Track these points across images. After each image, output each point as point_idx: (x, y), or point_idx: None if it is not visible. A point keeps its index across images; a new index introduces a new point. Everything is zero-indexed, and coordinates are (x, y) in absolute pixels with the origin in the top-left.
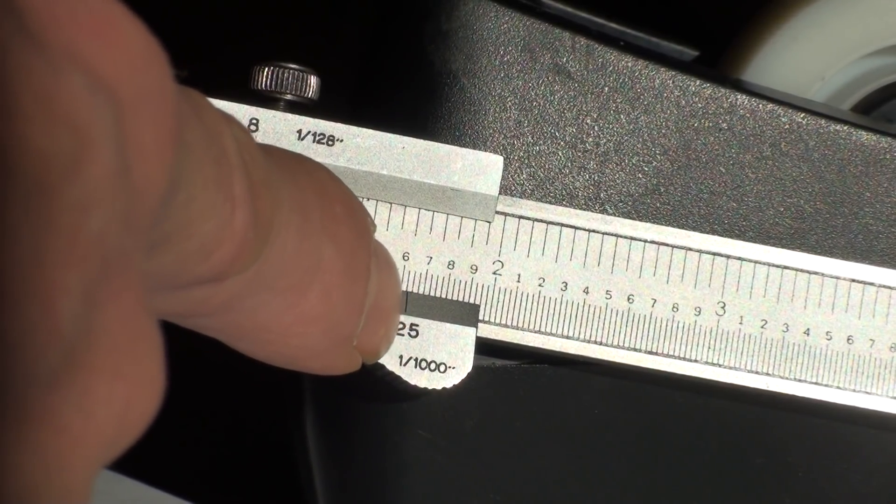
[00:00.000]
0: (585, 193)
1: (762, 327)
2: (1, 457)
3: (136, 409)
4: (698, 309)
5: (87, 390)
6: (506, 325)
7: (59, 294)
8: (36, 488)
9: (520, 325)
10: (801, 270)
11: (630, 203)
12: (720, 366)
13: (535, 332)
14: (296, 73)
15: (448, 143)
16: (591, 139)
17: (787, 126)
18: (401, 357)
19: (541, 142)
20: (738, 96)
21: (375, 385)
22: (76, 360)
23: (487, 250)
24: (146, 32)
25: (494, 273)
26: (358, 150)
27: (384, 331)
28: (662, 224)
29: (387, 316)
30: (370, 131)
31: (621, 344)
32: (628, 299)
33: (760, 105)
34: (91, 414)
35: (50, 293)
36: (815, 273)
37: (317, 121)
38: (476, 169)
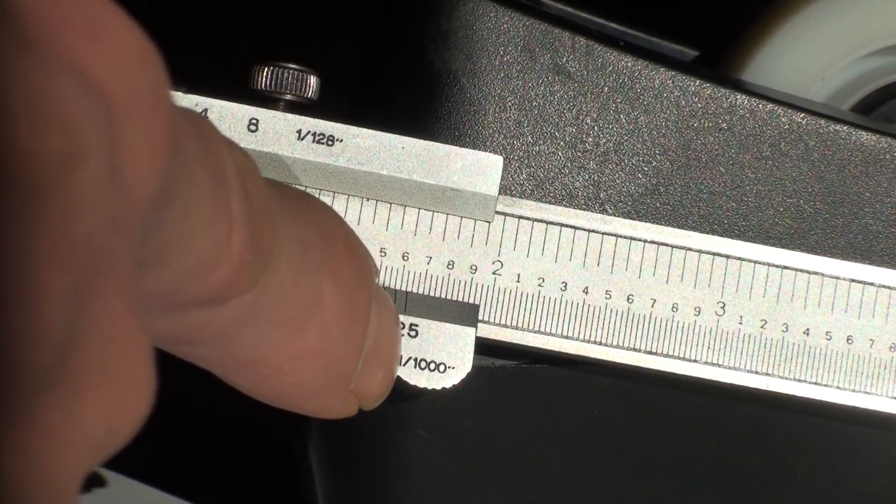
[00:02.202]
0: (585, 193)
1: (762, 327)
2: None
3: (124, 413)
4: (698, 309)
5: (75, 393)
6: (505, 325)
7: (47, 296)
8: (22, 490)
9: (519, 325)
10: (801, 270)
11: (630, 203)
12: (720, 366)
13: (535, 332)
14: (296, 73)
15: (448, 143)
16: (590, 139)
17: (787, 126)
18: (400, 357)
19: (540, 142)
20: (738, 96)
21: None
22: (64, 362)
23: (487, 250)
24: (141, 35)
25: (494, 273)
26: (358, 150)
27: (382, 376)
28: (662, 224)
29: (386, 361)
30: (370, 131)
31: (621, 344)
32: (628, 299)
33: (760, 105)
34: (79, 417)
35: (38, 295)
36: (815, 273)
37: (316, 121)
38: (476, 169)
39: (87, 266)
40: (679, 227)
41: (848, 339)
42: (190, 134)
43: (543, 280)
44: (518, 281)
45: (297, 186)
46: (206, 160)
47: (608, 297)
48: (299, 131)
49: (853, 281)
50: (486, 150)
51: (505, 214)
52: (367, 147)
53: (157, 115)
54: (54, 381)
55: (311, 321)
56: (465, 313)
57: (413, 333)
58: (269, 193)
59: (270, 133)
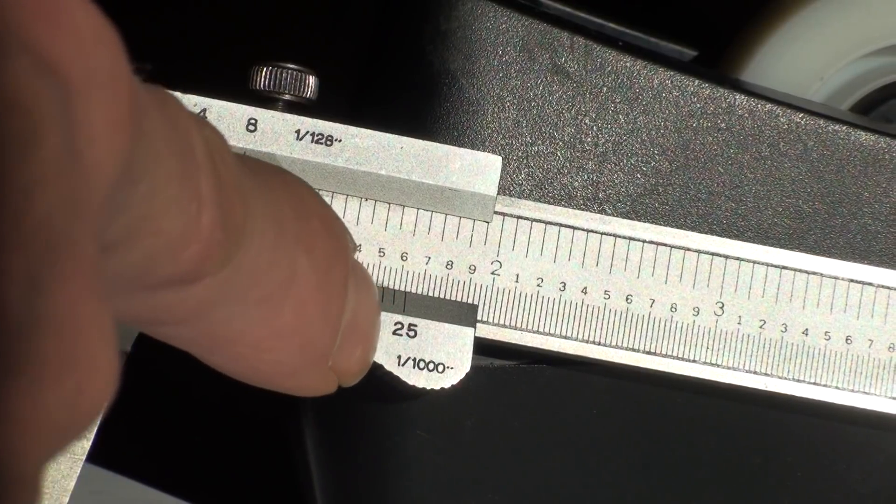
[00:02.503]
0: (584, 193)
1: (761, 327)
2: None
3: (87, 396)
4: (697, 309)
5: (36, 378)
6: (504, 326)
7: (4, 279)
8: None
9: (518, 325)
10: (800, 270)
11: (628, 203)
12: (719, 366)
13: (534, 332)
14: (294, 73)
15: (446, 143)
16: (589, 139)
17: (786, 126)
18: (399, 357)
19: (539, 142)
20: (737, 96)
21: (374, 385)
22: (24, 347)
23: (486, 250)
24: (98, 15)
25: (493, 273)
26: (356, 150)
27: (361, 352)
28: (661, 224)
29: (364, 337)
30: (368, 131)
31: (620, 344)
32: (627, 299)
33: (759, 105)
34: (41, 402)
35: None
36: (814, 273)
37: (315, 121)
38: (474, 169)
39: (45, 248)
40: (678, 227)
41: (847, 340)
42: (154, 112)
43: (542, 280)
44: (517, 281)
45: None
46: (173, 138)
47: (607, 297)
48: (298, 131)
49: (852, 281)
50: (484, 150)
51: (504, 214)
52: (365, 147)
53: (115, 93)
54: (14, 366)
55: (286, 299)
56: (463, 313)
57: (412, 333)
58: (241, 170)
59: (269, 133)
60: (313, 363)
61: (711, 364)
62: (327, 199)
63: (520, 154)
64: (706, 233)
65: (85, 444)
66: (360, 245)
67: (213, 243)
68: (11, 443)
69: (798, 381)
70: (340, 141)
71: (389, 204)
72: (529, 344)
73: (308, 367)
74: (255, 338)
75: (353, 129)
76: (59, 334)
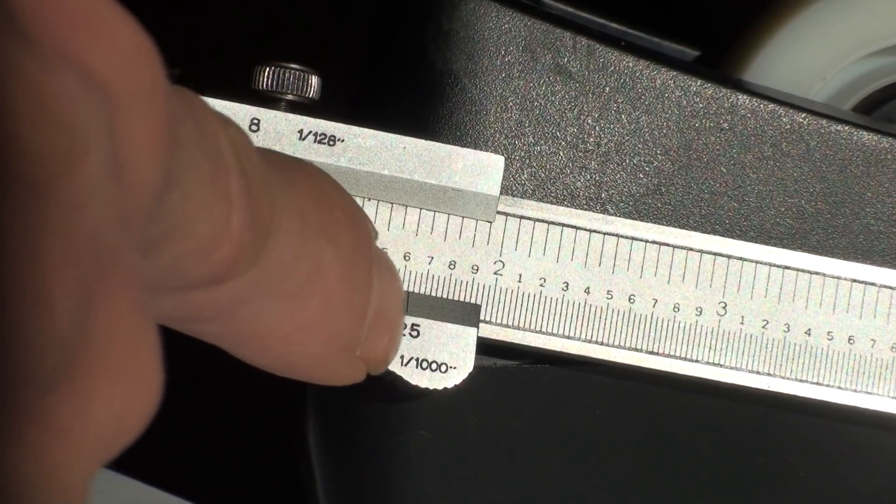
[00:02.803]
0: (586, 193)
1: (763, 327)
2: None
3: (134, 410)
4: (699, 309)
5: (85, 391)
6: (507, 326)
7: (55, 294)
8: (33, 489)
9: (521, 325)
10: (803, 271)
11: (631, 203)
12: (721, 366)
13: (537, 332)
14: (297, 73)
15: (449, 143)
16: (592, 139)
17: (789, 126)
18: (402, 357)
19: (542, 142)
20: (740, 96)
21: (376, 385)
22: (74, 360)
23: (488, 250)
24: (138, 29)
25: (495, 273)
26: (359, 150)
27: (388, 340)
28: (663, 224)
29: (391, 325)
30: (371, 131)
31: (622, 344)
32: (629, 299)
33: (762, 105)
34: (89, 415)
35: (46, 293)
36: (817, 273)
37: (318, 121)
38: (477, 169)
39: (94, 263)
40: (680, 227)
41: (849, 340)
42: (186, 118)
43: (545, 280)
44: (520, 281)
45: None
46: (203, 143)
47: (610, 297)
48: (301, 131)
49: (855, 281)
50: (487, 150)
51: (506, 214)
52: (368, 147)
53: (156, 107)
54: (63, 378)
55: (313, 291)
56: (466, 313)
57: (415, 333)
58: (266, 167)
59: (272, 133)
60: (341, 353)
61: (714, 364)
62: None
63: (522, 154)
64: (709, 233)
65: None
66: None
67: (242, 244)
68: (58, 455)
69: (801, 381)
70: (343, 141)
71: (392, 204)
72: (532, 344)
73: (336, 358)
74: (284, 331)
75: (355, 129)
76: (108, 348)
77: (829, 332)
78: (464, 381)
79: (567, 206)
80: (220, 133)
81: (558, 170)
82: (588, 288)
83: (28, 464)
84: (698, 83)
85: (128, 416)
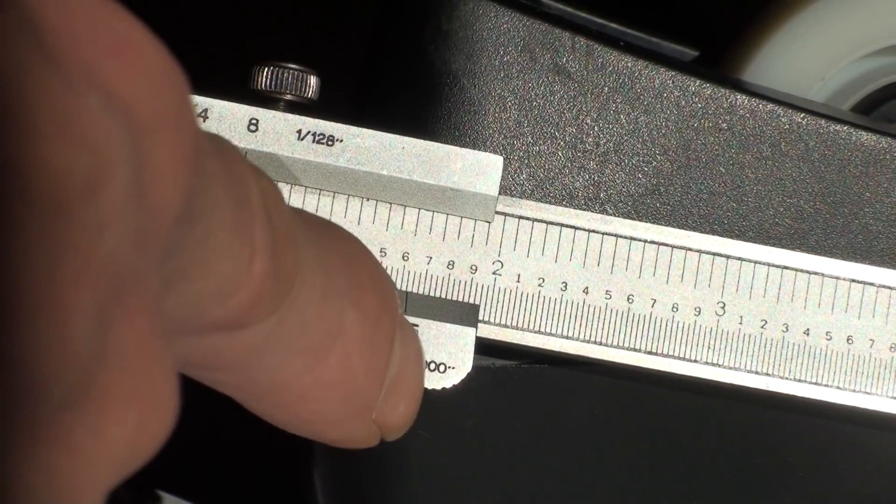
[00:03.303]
0: (585, 193)
1: (762, 327)
2: (12, 475)
3: (148, 431)
4: (698, 309)
5: (100, 411)
6: (505, 326)
7: (73, 313)
8: None
9: (519, 325)
10: (801, 270)
11: (630, 203)
12: (720, 366)
13: (535, 332)
14: (295, 73)
15: (448, 144)
16: (590, 139)
17: (787, 126)
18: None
19: (541, 142)
20: (738, 96)
21: None
22: (90, 380)
23: (487, 250)
24: (165, 53)
25: (494, 273)
26: (358, 150)
27: (405, 407)
28: (662, 224)
29: (409, 392)
30: (370, 131)
31: (621, 344)
32: (628, 299)
33: (760, 105)
34: (104, 435)
35: (64, 312)
36: (815, 273)
37: (316, 121)
38: (476, 169)
39: (113, 284)
40: (679, 227)
41: (848, 339)
42: (213, 156)
43: (543, 280)
44: (518, 281)
45: (297, 186)
46: (230, 183)
47: (608, 297)
48: (299, 131)
49: (853, 281)
50: (486, 151)
51: (505, 214)
52: (367, 147)
53: (181, 132)
54: (79, 398)
55: (332, 349)
56: (465, 313)
57: None
58: (294, 221)
59: (270, 133)
60: (357, 415)
61: (713, 364)
62: (328, 200)
63: (521, 154)
64: (707, 233)
65: None
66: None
67: (263, 290)
68: (72, 474)
69: (799, 380)
70: (342, 141)
71: (391, 204)
72: (531, 344)
73: (351, 419)
74: (301, 387)
75: (354, 129)
76: (123, 369)
77: (827, 332)
78: (462, 381)
79: (566, 206)
80: (251, 179)
81: (557, 170)
82: (587, 288)
83: (41, 482)
84: (697, 83)
85: (142, 438)
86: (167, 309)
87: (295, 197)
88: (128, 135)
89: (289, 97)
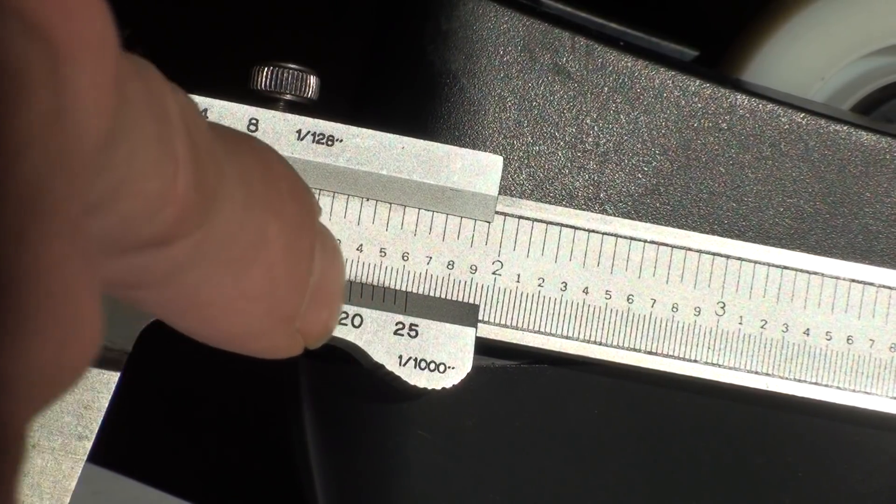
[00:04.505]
0: (585, 193)
1: (762, 327)
2: None
3: (72, 352)
4: (698, 309)
5: (18, 333)
6: (505, 326)
7: None
8: None
9: (519, 325)
10: (801, 270)
11: (630, 203)
12: (720, 366)
13: (535, 332)
14: (295, 73)
15: (448, 143)
16: (590, 139)
17: (787, 126)
18: (400, 357)
19: (540, 142)
20: (738, 96)
21: (375, 385)
22: (7, 301)
23: (487, 250)
24: None
25: (494, 273)
26: (357, 150)
27: (327, 315)
28: (662, 224)
29: (331, 300)
30: (370, 131)
31: (621, 344)
32: (628, 299)
33: (760, 105)
34: (23, 357)
35: None
36: (815, 273)
37: (316, 121)
38: (476, 169)
39: (33, 205)
40: (679, 227)
41: (848, 339)
42: (133, 76)
43: (543, 280)
44: (518, 281)
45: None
46: (151, 102)
47: (608, 297)
48: (299, 131)
49: (853, 281)
50: (485, 150)
51: (505, 214)
52: (366, 147)
53: (102, 57)
54: None
55: (256, 261)
56: (464, 313)
57: (413, 333)
58: (213, 135)
59: (270, 133)
60: (281, 325)
61: (713, 364)
62: (328, 199)
63: (521, 154)
64: (707, 233)
65: (86, 444)
66: (360, 245)
67: (188, 204)
68: None
69: (799, 381)
70: (342, 141)
71: (391, 204)
72: (531, 344)
73: (276, 329)
74: (226, 300)
75: (354, 129)
76: (42, 290)
77: (827, 332)
78: (462, 381)
79: (565, 206)
80: (169, 96)
81: (557, 170)
82: (586, 288)
83: None
84: (697, 83)
85: (65, 359)
86: (95, 230)
87: None
88: (47, 59)
89: (288, 97)
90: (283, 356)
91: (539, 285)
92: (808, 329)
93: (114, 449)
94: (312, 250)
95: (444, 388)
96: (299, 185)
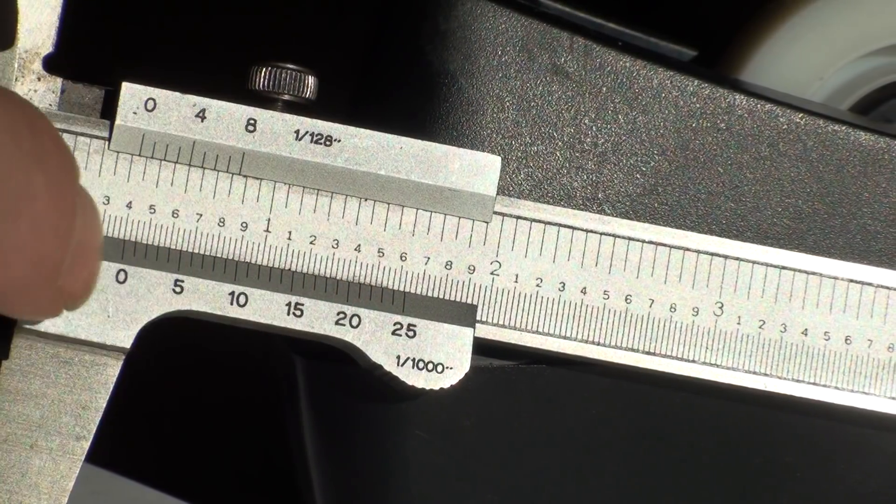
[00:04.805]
0: (583, 193)
1: (760, 327)
2: None
3: None
4: (696, 309)
5: None
6: (503, 326)
7: None
8: None
9: (517, 325)
10: (799, 271)
11: (628, 203)
12: (718, 366)
13: (533, 332)
14: (293, 73)
15: (446, 144)
16: (589, 139)
17: (786, 126)
18: (398, 357)
19: (539, 142)
20: (737, 96)
21: (373, 385)
22: None
23: (485, 251)
24: None
25: (492, 273)
26: (356, 150)
27: (88, 273)
28: (660, 224)
29: (91, 258)
30: (368, 131)
31: (619, 344)
32: (626, 300)
33: (759, 105)
34: None
35: None
36: (814, 273)
37: (314, 121)
38: (474, 169)
39: None
40: (677, 227)
41: (846, 340)
42: None
43: (541, 280)
44: (516, 281)
45: (295, 186)
46: None
47: (606, 297)
48: (297, 131)
49: (851, 281)
50: (484, 151)
51: (503, 215)
52: (364, 147)
53: None
54: None
55: (21, 213)
56: (463, 314)
57: (411, 334)
58: None
59: (268, 133)
60: (45, 281)
61: (711, 364)
62: (326, 200)
63: (519, 154)
64: (705, 233)
65: (84, 445)
66: (358, 245)
67: None
68: None
69: (797, 381)
70: (340, 141)
71: (389, 204)
72: (528, 344)
73: (39, 285)
74: None
75: (352, 130)
76: None
77: (825, 333)
78: (460, 381)
79: (564, 206)
80: None
81: (555, 170)
82: (584, 288)
83: None
84: (695, 83)
85: None
86: None
87: (293, 197)
88: None
89: (287, 97)
90: (43, 316)
91: (537, 285)
92: (806, 329)
93: (113, 449)
94: (74, 207)
95: (442, 389)
96: (62, 143)
